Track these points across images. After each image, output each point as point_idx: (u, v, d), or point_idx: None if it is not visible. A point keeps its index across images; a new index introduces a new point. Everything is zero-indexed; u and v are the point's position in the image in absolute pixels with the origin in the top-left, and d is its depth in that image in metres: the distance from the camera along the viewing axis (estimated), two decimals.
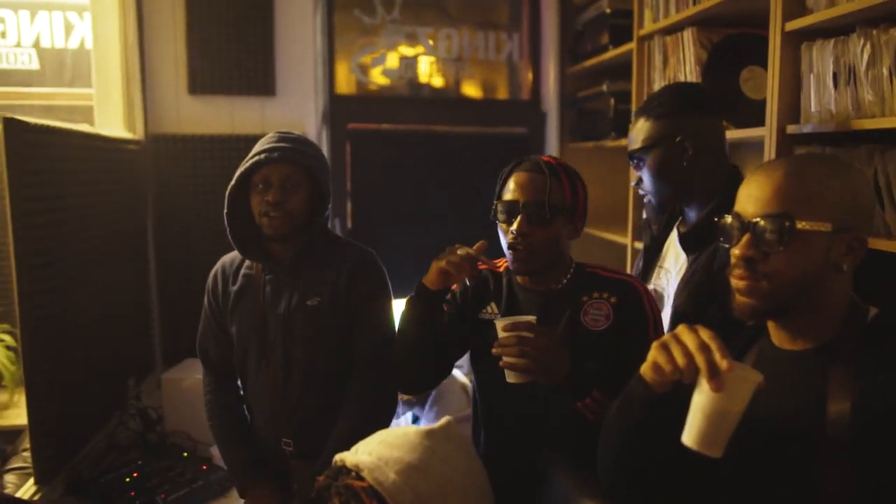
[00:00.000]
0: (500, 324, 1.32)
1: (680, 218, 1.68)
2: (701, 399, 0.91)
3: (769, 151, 1.70)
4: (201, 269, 2.71)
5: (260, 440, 1.74)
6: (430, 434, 0.99)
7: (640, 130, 1.59)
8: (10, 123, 1.75)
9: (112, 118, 2.63)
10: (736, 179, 1.39)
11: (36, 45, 2.97)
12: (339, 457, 1.00)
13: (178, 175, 2.71)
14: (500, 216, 1.45)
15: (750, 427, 0.96)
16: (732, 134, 1.93)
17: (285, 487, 1.68)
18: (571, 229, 1.48)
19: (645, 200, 1.70)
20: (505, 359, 1.30)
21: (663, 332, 1.46)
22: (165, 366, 2.72)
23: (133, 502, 1.82)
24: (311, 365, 1.64)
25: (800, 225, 0.96)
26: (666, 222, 1.73)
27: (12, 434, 2.32)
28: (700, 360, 0.91)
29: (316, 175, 1.59)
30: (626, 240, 2.46)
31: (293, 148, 1.58)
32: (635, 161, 1.62)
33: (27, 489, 1.87)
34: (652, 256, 1.75)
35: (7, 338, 2.67)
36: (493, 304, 1.54)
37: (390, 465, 0.93)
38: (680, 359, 0.93)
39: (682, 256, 1.61)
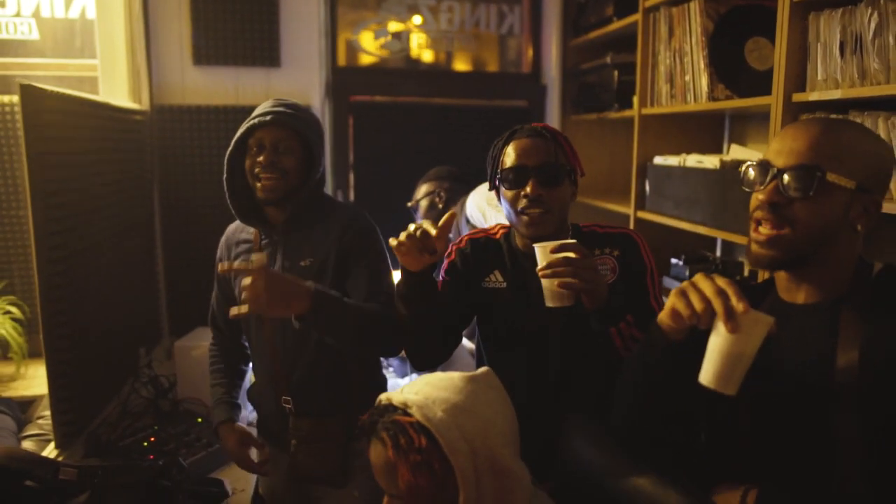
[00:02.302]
0: (545, 248, 1.31)
1: None
2: (717, 341, 0.97)
3: (775, 119, 1.74)
4: (206, 239, 2.73)
5: (262, 399, 1.77)
6: (473, 379, 1.04)
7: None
8: (28, 90, 1.76)
9: (117, 89, 2.63)
10: None
11: (36, 14, 2.93)
12: (384, 396, 1.04)
13: (182, 145, 2.72)
14: (506, 183, 1.46)
15: (764, 378, 1.02)
16: (737, 103, 1.98)
17: (285, 445, 1.71)
18: (573, 190, 1.52)
19: None
20: (553, 281, 1.29)
21: (659, 281, 1.52)
22: (172, 335, 2.75)
23: (155, 463, 1.86)
24: (306, 325, 1.63)
25: (830, 177, 1.01)
26: None
27: (23, 404, 2.35)
28: (717, 304, 0.96)
29: (307, 138, 1.61)
30: (629, 210, 2.51)
31: (286, 112, 1.61)
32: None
33: (48, 453, 1.90)
34: None
35: (14, 310, 2.68)
36: (497, 272, 1.56)
37: (437, 403, 0.98)
38: (698, 304, 0.99)
39: None
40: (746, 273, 2.26)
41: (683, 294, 1.02)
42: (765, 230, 1.07)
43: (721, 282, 0.99)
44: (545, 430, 1.48)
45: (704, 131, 2.50)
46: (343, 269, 1.64)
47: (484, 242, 1.60)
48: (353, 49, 3.21)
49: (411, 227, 1.39)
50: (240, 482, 1.94)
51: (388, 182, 3.18)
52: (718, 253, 2.56)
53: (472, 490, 0.95)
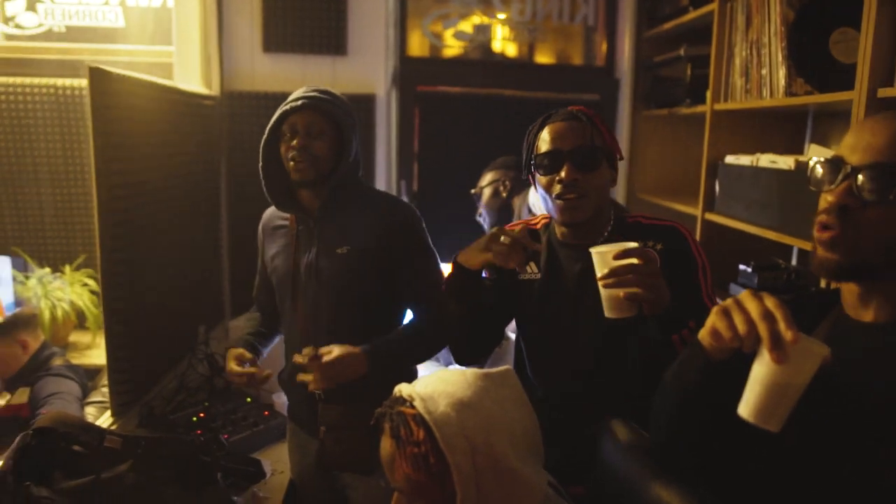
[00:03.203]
0: (605, 254, 1.22)
1: None
2: (761, 370, 0.86)
3: (857, 116, 1.59)
4: None
5: (292, 385, 1.76)
6: (486, 376, 1.00)
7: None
8: (96, 73, 1.83)
9: (190, 75, 2.72)
10: None
11: (122, 3, 3.08)
12: (398, 387, 1.02)
13: (250, 131, 2.78)
14: (540, 169, 1.42)
15: (818, 402, 0.91)
16: (816, 99, 1.83)
17: (314, 432, 1.73)
18: (613, 175, 1.46)
19: None
20: (615, 291, 1.20)
21: (712, 278, 1.41)
22: (234, 315, 2.83)
23: (197, 438, 1.91)
24: (338, 312, 1.68)
25: None
26: None
27: (91, 372, 2.48)
28: (763, 329, 0.85)
29: (340, 121, 1.63)
30: (697, 211, 2.38)
31: (318, 97, 1.63)
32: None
33: (104, 420, 1.99)
34: None
35: (91, 282, 2.83)
36: (532, 264, 1.52)
37: (442, 397, 0.95)
38: (741, 326, 0.88)
39: None
40: (823, 285, 2.09)
41: (726, 313, 0.91)
42: (827, 233, 0.95)
43: (770, 302, 0.87)
44: (576, 426, 1.43)
45: (784, 130, 2.33)
46: (387, 260, 1.66)
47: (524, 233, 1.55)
48: (424, 39, 3.19)
49: (505, 237, 1.35)
50: (280, 464, 1.97)
51: (451, 173, 3.15)
52: (794, 261, 2.39)
53: (471, 489, 0.91)
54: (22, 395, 2.16)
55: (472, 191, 2.70)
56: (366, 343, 1.59)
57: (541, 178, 1.42)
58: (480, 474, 0.91)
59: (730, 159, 2.22)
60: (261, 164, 1.67)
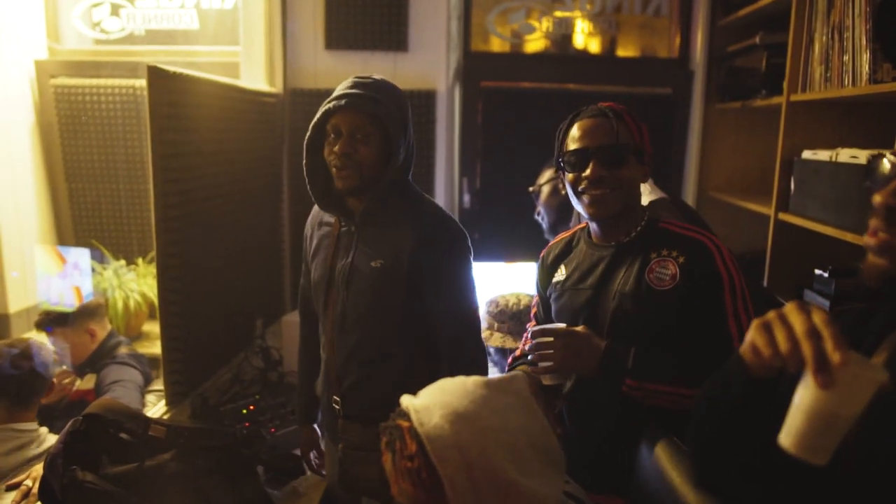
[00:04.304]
0: (530, 331, 1.40)
1: None
2: (806, 395, 0.75)
3: None
4: None
5: (322, 392, 1.74)
6: (487, 384, 0.94)
7: None
8: (154, 71, 1.89)
9: (256, 73, 2.78)
10: None
11: (197, 5, 3.19)
12: (402, 399, 0.98)
13: None
14: (568, 166, 1.40)
15: (877, 429, 0.80)
16: None
17: (335, 443, 1.68)
18: (643, 170, 1.41)
19: None
20: (539, 365, 1.37)
21: (746, 298, 1.29)
22: (293, 311, 2.87)
23: (239, 431, 1.94)
24: (364, 327, 1.57)
25: None
26: None
27: (155, 361, 2.56)
28: (807, 349, 0.75)
29: (385, 124, 1.47)
30: (770, 210, 2.20)
31: (364, 94, 1.47)
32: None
33: (159, 409, 2.06)
34: None
35: None
36: (563, 266, 1.50)
37: (437, 408, 0.90)
38: (783, 344, 0.78)
39: None
40: None
41: (767, 328, 0.81)
42: (874, 238, 0.85)
43: (818, 318, 0.76)
44: (600, 431, 1.42)
45: (869, 122, 2.11)
46: (415, 280, 1.52)
47: (563, 241, 1.56)
48: (488, 33, 3.14)
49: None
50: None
51: (515, 169, 3.07)
52: None
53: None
54: (89, 381, 2.26)
55: (531, 189, 2.62)
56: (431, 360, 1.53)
57: (569, 175, 1.40)
58: (479, 489, 0.85)
59: (807, 154, 2.05)
60: (304, 162, 1.56)
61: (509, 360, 1.66)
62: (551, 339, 1.34)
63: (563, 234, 1.60)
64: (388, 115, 1.48)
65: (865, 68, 1.74)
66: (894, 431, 0.82)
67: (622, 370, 1.30)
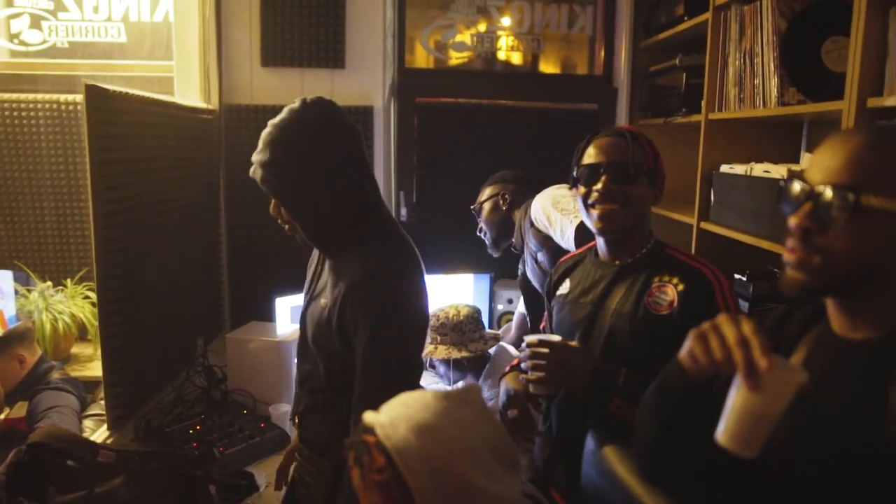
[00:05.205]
0: (527, 341, 1.43)
1: None
2: (738, 397, 0.86)
3: (847, 126, 1.58)
4: (270, 237, 2.80)
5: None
6: (446, 396, 1.00)
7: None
8: (92, 90, 1.85)
9: (190, 89, 2.74)
10: None
11: (124, 18, 3.11)
12: (365, 416, 1.02)
13: (250, 144, 2.74)
14: (581, 180, 1.47)
15: (797, 421, 0.90)
16: (808, 108, 1.82)
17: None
18: (653, 193, 1.49)
19: None
20: (529, 373, 1.42)
21: None
22: (233, 328, 2.84)
23: (190, 452, 1.92)
24: (314, 359, 1.56)
25: (866, 200, 0.87)
26: None
27: (90, 385, 2.49)
28: (738, 356, 0.85)
29: (288, 198, 1.46)
30: (693, 220, 2.37)
31: (268, 167, 1.44)
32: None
33: (101, 433, 2.00)
34: None
35: (92, 295, 2.85)
36: (567, 281, 1.57)
37: (401, 421, 0.95)
38: (717, 351, 0.89)
39: None
40: None
41: (703, 338, 0.91)
42: (792, 255, 0.94)
43: (746, 328, 0.87)
44: (581, 434, 1.44)
45: (779, 139, 2.32)
46: (341, 330, 1.44)
47: (574, 257, 1.65)
48: (422, 51, 3.21)
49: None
50: (274, 476, 1.97)
51: (451, 184, 3.14)
52: None
53: None
54: (20, 409, 2.17)
55: (472, 207, 2.69)
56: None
57: (581, 189, 1.47)
58: (446, 496, 0.91)
59: (724, 168, 2.22)
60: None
61: (507, 368, 1.72)
62: (546, 350, 1.39)
63: (575, 252, 1.69)
64: (286, 185, 1.45)
65: (774, 91, 1.91)
66: (813, 427, 0.93)
67: (612, 389, 1.34)
